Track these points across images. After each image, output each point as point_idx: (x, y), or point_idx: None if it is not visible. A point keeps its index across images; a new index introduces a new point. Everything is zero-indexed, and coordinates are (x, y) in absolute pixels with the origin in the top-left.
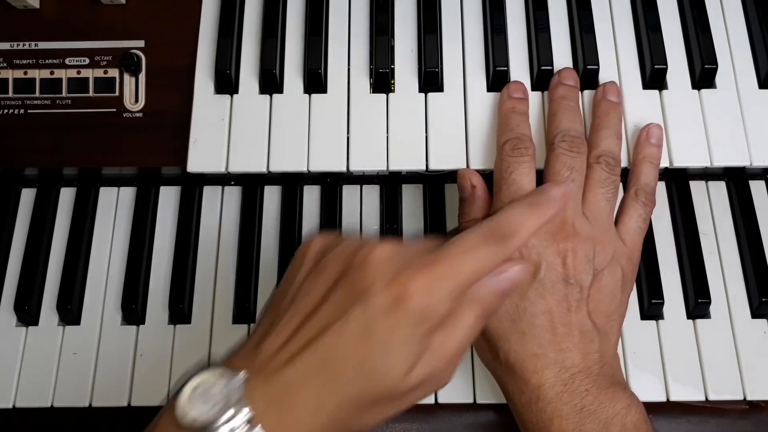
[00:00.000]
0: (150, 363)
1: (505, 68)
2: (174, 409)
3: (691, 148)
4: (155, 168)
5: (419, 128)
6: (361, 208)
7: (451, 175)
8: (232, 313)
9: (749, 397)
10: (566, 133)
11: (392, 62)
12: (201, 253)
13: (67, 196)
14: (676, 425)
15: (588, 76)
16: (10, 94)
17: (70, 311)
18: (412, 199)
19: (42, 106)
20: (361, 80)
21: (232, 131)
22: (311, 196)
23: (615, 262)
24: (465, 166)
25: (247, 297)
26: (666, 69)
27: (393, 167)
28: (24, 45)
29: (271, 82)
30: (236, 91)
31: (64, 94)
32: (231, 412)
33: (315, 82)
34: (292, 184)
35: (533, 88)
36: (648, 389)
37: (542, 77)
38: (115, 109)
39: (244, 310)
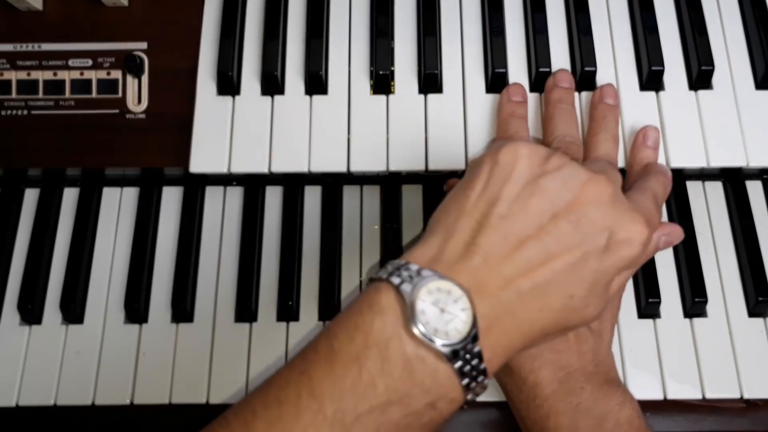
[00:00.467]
0: (153, 361)
1: (504, 70)
2: (404, 313)
3: (688, 149)
4: (158, 168)
5: (419, 129)
6: (361, 208)
7: (451, 176)
8: (234, 311)
9: (746, 396)
10: (561, 138)
11: (392, 64)
12: (203, 252)
13: (70, 197)
14: (673, 423)
15: (585, 78)
16: (14, 96)
17: (73, 310)
18: (412, 199)
19: (45, 107)
20: (362, 82)
21: (234, 132)
22: (312, 197)
23: None
24: (464, 167)
25: (248, 296)
26: (663, 70)
27: (393, 168)
28: (27, 46)
29: (272, 84)
30: (238, 93)
31: (67, 95)
32: (465, 333)
33: (316, 83)
34: (293, 184)
35: (531, 89)
36: (645, 387)
37: (540, 79)
38: (118, 111)
39: (246, 308)
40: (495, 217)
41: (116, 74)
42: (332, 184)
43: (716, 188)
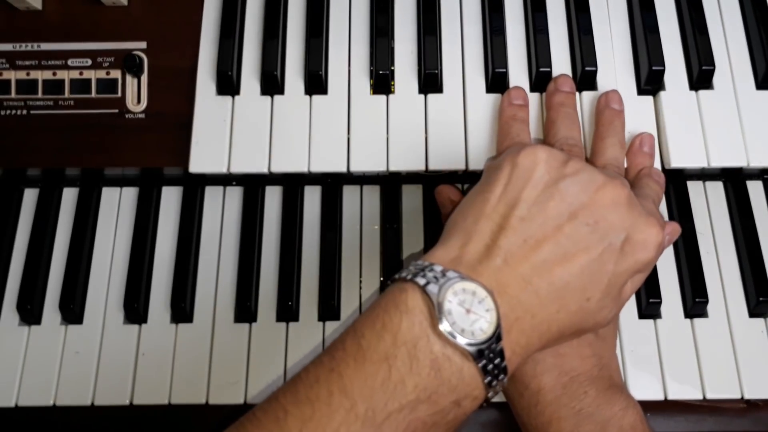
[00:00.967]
0: (152, 362)
1: (504, 70)
2: (431, 313)
3: (689, 149)
4: (157, 168)
5: (419, 129)
6: (361, 208)
7: (451, 176)
8: (233, 312)
9: (747, 396)
10: (564, 142)
11: (392, 64)
12: (203, 252)
13: (69, 197)
14: (674, 424)
15: (586, 78)
16: (13, 95)
17: (72, 311)
18: (412, 199)
19: (44, 107)
20: (362, 81)
21: (233, 132)
22: (312, 197)
23: None
24: (464, 167)
25: (248, 296)
26: (664, 70)
27: (393, 168)
28: (26, 46)
29: (272, 84)
30: (238, 93)
31: (66, 95)
32: (491, 332)
33: (316, 83)
34: (293, 184)
35: (532, 89)
36: (646, 388)
37: (541, 79)
38: (117, 110)
39: (245, 309)
40: (515, 219)
41: (116, 74)
42: (332, 184)
43: (717, 188)
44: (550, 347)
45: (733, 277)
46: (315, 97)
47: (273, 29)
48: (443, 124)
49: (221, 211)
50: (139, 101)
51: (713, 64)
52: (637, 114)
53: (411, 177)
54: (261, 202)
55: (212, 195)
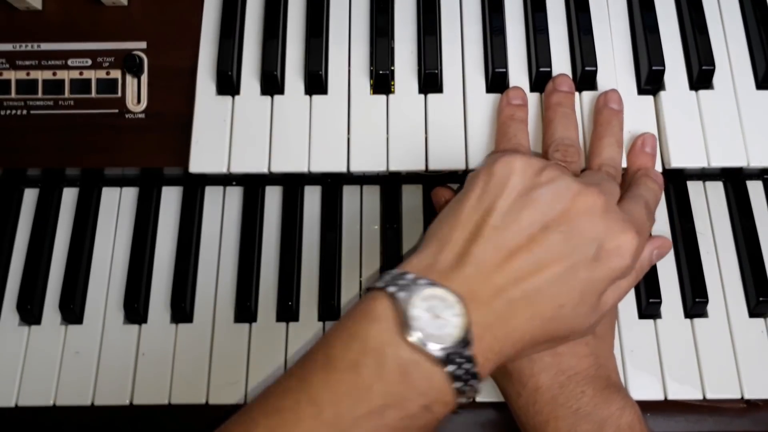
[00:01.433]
0: (152, 362)
1: (504, 69)
2: (398, 321)
3: (689, 149)
4: (157, 168)
5: (419, 129)
6: (361, 208)
7: (451, 176)
8: (233, 311)
9: (747, 396)
10: (560, 142)
11: (392, 64)
12: (203, 252)
13: (69, 197)
14: (674, 424)
15: (586, 78)
16: (13, 95)
17: (72, 311)
18: (412, 199)
19: (44, 107)
20: (362, 81)
21: (233, 132)
22: (312, 197)
23: None
24: (464, 167)
25: (248, 296)
26: (664, 70)
27: (393, 168)
28: (26, 46)
29: (272, 84)
30: (238, 93)
31: (66, 95)
32: (459, 337)
33: (316, 83)
34: (293, 184)
35: (532, 89)
36: (646, 388)
37: (541, 79)
38: (117, 110)
39: (245, 309)
40: (488, 228)
41: (115, 74)
42: (332, 184)
43: (717, 188)
44: (526, 355)
45: (733, 277)
46: (315, 97)
47: (273, 29)
48: (443, 124)
49: (221, 211)
50: (139, 101)
51: (713, 64)
52: (638, 114)
53: (411, 177)
54: (261, 202)
55: (212, 195)
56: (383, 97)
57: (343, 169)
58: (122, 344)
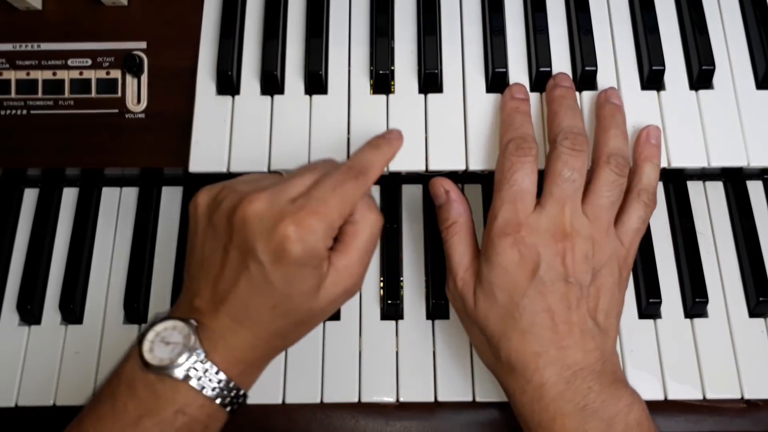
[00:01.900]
0: None
1: (504, 69)
2: (138, 355)
3: (689, 149)
4: (157, 168)
5: (419, 129)
6: None
7: (451, 176)
8: None
9: (747, 396)
10: (569, 130)
11: (392, 63)
12: None
13: (69, 196)
14: (674, 424)
15: (586, 78)
16: (13, 95)
17: (72, 310)
18: (412, 199)
19: (44, 107)
20: (362, 81)
21: (233, 132)
22: None
23: (613, 261)
24: (464, 167)
25: None
26: (664, 70)
27: (393, 168)
28: (26, 46)
29: (272, 84)
30: (238, 92)
31: (66, 95)
32: (187, 353)
33: (316, 83)
34: None
35: (532, 89)
36: (646, 388)
37: (541, 79)
38: (117, 110)
39: None
40: (193, 264)
41: (115, 74)
42: None
43: (717, 188)
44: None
45: (733, 277)
46: (315, 97)
47: (273, 29)
48: (443, 124)
49: None
50: (139, 101)
51: (713, 64)
52: (642, 111)
53: (411, 177)
54: None
55: None
56: (383, 97)
57: None
58: (122, 344)
